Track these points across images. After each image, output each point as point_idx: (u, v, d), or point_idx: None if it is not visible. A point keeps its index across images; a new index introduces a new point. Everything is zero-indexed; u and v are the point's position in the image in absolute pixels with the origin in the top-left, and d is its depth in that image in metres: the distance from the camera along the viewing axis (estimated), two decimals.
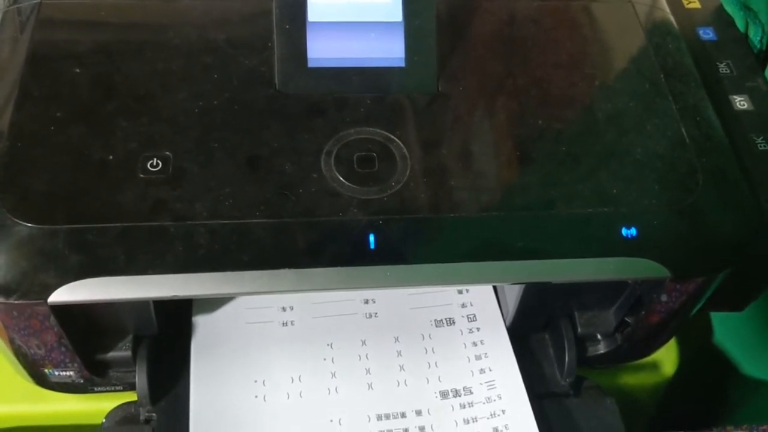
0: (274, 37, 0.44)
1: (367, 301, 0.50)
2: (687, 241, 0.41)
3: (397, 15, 0.45)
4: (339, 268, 0.39)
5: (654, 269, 0.41)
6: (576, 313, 0.48)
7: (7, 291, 0.37)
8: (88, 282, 0.37)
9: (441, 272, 0.40)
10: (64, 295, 0.37)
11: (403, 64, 0.45)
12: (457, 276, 0.40)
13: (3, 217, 0.38)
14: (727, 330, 0.60)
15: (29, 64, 0.43)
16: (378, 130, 0.42)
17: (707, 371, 0.64)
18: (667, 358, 0.54)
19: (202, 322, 0.48)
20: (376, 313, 0.50)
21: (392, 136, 0.42)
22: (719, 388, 0.63)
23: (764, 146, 0.48)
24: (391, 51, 0.45)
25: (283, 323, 0.49)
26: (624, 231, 0.41)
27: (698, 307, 0.48)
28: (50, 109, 0.41)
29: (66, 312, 0.40)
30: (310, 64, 0.44)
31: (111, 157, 0.40)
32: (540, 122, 0.44)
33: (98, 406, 0.48)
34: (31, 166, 0.39)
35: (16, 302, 0.37)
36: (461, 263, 0.40)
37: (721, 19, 0.56)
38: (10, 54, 0.44)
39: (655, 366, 0.54)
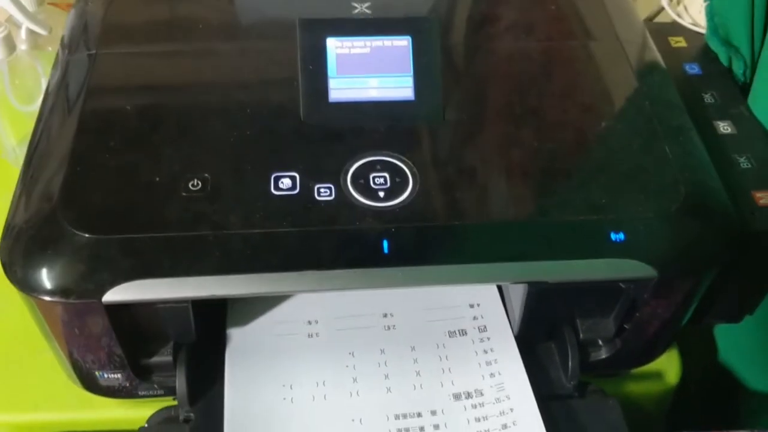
0: (299, 76, 0.50)
1: (385, 315, 0.55)
2: (671, 244, 0.46)
3: (407, 61, 0.51)
4: (356, 270, 0.44)
5: (641, 269, 0.45)
6: (578, 320, 0.52)
7: (66, 292, 0.43)
8: (137, 283, 0.42)
9: (447, 273, 0.44)
10: (116, 294, 0.42)
11: (412, 98, 0.51)
12: (462, 276, 0.45)
13: (64, 229, 0.43)
14: (732, 343, 0.63)
15: (86, 105, 0.50)
16: (390, 153, 0.48)
17: (714, 384, 0.66)
18: (670, 368, 0.57)
19: (235, 334, 0.53)
20: (394, 326, 0.54)
21: (403, 158, 0.48)
22: (727, 401, 0.66)
23: (746, 164, 0.53)
24: (402, 88, 0.51)
25: (309, 335, 0.53)
26: (613, 235, 0.45)
27: (690, 314, 0.52)
28: (105, 139, 0.48)
29: (117, 316, 0.45)
30: (331, 99, 0.50)
31: (157, 179, 0.46)
32: (536, 144, 0.49)
33: (140, 413, 0.52)
34: (88, 187, 0.45)
35: (74, 301, 0.43)
36: (466, 265, 0.44)
37: (706, 55, 0.62)
38: (70, 97, 0.51)
39: (659, 376, 0.57)
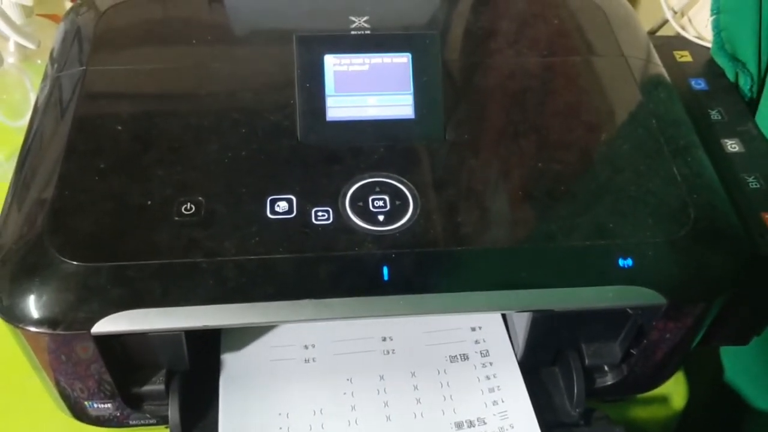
0: (296, 95, 0.49)
1: (384, 339, 0.53)
2: (680, 270, 0.44)
3: (407, 78, 0.49)
4: (356, 298, 0.42)
5: (650, 296, 0.43)
6: (583, 346, 0.51)
7: (54, 323, 0.41)
8: (128, 313, 0.41)
9: (450, 301, 0.43)
10: (106, 326, 0.41)
11: (413, 117, 0.49)
12: (465, 304, 0.43)
13: (51, 256, 0.42)
14: (739, 366, 0.62)
15: (75, 123, 0.48)
16: (390, 174, 0.46)
17: (720, 407, 0.65)
18: (676, 391, 0.56)
19: (229, 359, 0.51)
20: (393, 350, 0.53)
21: (403, 179, 0.46)
22: (733, 423, 0.64)
23: (755, 185, 0.51)
24: (402, 106, 0.49)
25: (306, 360, 0.52)
26: (621, 261, 0.44)
27: (699, 338, 0.50)
28: (94, 161, 0.46)
29: (106, 345, 0.43)
30: (329, 118, 0.49)
31: (149, 203, 0.44)
32: (540, 164, 0.48)
33: None
34: (77, 211, 0.44)
35: (62, 333, 0.41)
36: (469, 292, 0.43)
37: (712, 70, 0.60)
38: (59, 115, 0.49)
39: (664, 399, 0.55)
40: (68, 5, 0.66)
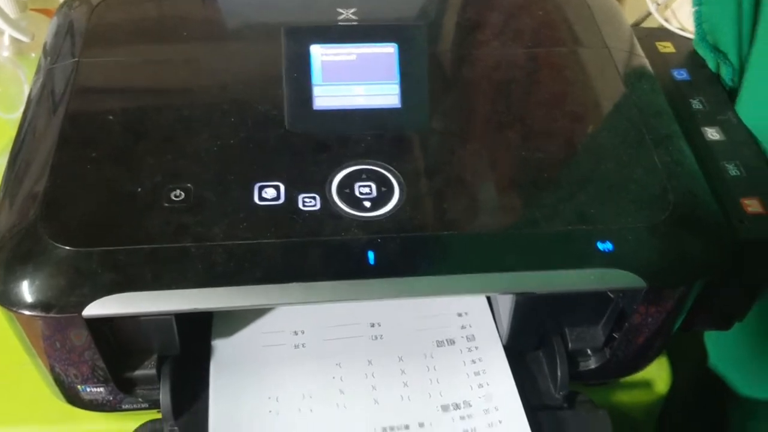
0: (284, 85, 0.50)
1: (372, 325, 0.54)
2: (660, 254, 0.45)
3: (393, 68, 0.50)
4: (342, 282, 0.43)
5: (630, 279, 0.44)
6: (567, 330, 0.52)
7: (46, 306, 0.42)
8: (119, 296, 0.42)
9: (435, 284, 0.44)
10: (97, 308, 0.42)
11: (399, 106, 0.50)
12: (449, 287, 0.44)
13: (44, 242, 0.43)
14: (721, 350, 0.63)
15: (68, 114, 0.49)
16: (376, 162, 0.47)
17: (704, 392, 0.66)
18: (659, 376, 0.57)
19: (220, 345, 0.52)
20: (381, 336, 0.54)
21: (389, 167, 0.47)
22: (717, 408, 0.65)
23: (735, 172, 0.53)
24: (388, 96, 0.50)
25: (295, 346, 0.53)
26: (601, 245, 0.45)
27: (680, 322, 0.51)
28: (86, 151, 0.47)
29: (99, 330, 0.44)
30: (316, 107, 0.50)
31: (139, 190, 0.45)
32: (524, 153, 0.49)
33: (124, 426, 0.51)
34: (69, 199, 0.45)
35: (54, 316, 0.42)
36: (453, 275, 0.44)
37: (694, 61, 0.61)
38: (52, 106, 0.50)
39: (648, 384, 0.56)
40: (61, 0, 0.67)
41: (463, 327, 0.54)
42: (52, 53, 0.55)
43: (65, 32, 0.56)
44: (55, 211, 0.44)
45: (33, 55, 0.66)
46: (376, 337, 0.54)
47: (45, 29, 0.59)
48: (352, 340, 0.53)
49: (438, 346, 0.53)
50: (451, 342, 0.54)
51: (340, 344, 0.53)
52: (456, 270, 0.44)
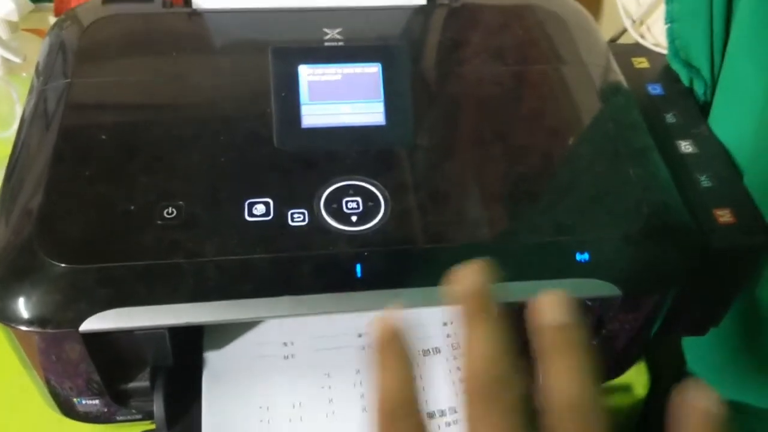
0: (272, 104, 0.51)
1: (360, 335, 0.56)
2: (635, 263, 0.47)
3: (378, 87, 0.52)
4: (331, 294, 0.45)
5: (606, 288, 0.46)
6: None
7: (43, 321, 0.43)
8: (114, 312, 0.43)
9: (419, 295, 0.45)
10: (93, 323, 0.43)
11: (383, 123, 0.52)
12: (433, 298, 0.45)
13: (40, 259, 0.44)
14: (698, 355, 0.65)
15: (61, 133, 0.50)
16: (363, 177, 0.49)
17: None
18: (638, 380, 0.59)
19: (212, 357, 0.54)
20: (370, 345, 0.55)
21: (375, 182, 0.49)
22: None
23: (707, 183, 0.55)
24: (373, 114, 0.52)
25: (285, 356, 0.54)
26: (578, 256, 0.46)
27: (657, 329, 0.53)
28: (80, 169, 0.48)
29: (94, 344, 0.46)
30: (304, 125, 0.51)
31: (132, 207, 0.46)
32: (504, 167, 0.51)
33: None
34: (64, 216, 0.46)
35: (51, 331, 0.43)
36: (436, 287, 0.45)
37: (668, 76, 0.64)
38: (45, 126, 0.51)
39: (627, 388, 0.58)
40: (52, 20, 0.68)
41: (448, 336, 0.56)
42: (44, 73, 0.56)
43: (57, 53, 0.57)
44: (50, 228, 0.45)
45: (24, 74, 0.68)
46: (365, 347, 0.55)
47: (37, 49, 0.60)
48: (340, 350, 0.55)
49: (424, 354, 0.55)
50: (437, 351, 0.55)
51: (329, 354, 0.54)
52: (440, 282, 0.45)
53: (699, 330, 0.59)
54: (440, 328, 0.57)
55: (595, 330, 0.52)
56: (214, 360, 0.53)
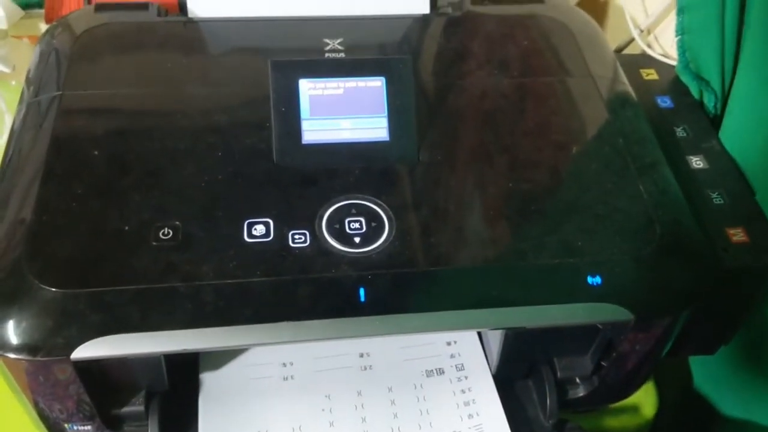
0: (272, 117, 0.50)
1: (362, 355, 0.54)
2: (647, 286, 0.46)
3: (381, 101, 0.51)
4: (333, 320, 0.43)
5: (618, 313, 0.45)
6: (555, 359, 0.52)
7: (33, 349, 0.41)
8: (107, 339, 0.41)
9: (425, 321, 0.44)
10: (85, 351, 0.41)
11: (387, 139, 0.50)
12: (440, 324, 0.44)
13: (29, 283, 0.42)
14: (707, 374, 0.64)
15: (52, 148, 0.48)
16: (366, 196, 0.47)
17: (690, 414, 0.66)
18: (646, 401, 0.57)
19: (208, 378, 0.52)
20: (370, 366, 0.54)
21: (378, 201, 0.47)
22: (703, 430, 0.66)
23: (719, 200, 0.53)
24: (376, 129, 0.50)
25: (284, 378, 0.53)
26: (589, 279, 0.45)
27: (668, 349, 0.52)
28: (71, 186, 0.46)
29: (86, 369, 0.44)
30: (304, 141, 0.49)
31: (126, 228, 0.45)
32: (511, 184, 0.49)
33: None
34: (55, 237, 0.44)
35: (41, 359, 0.41)
36: (443, 312, 0.44)
37: (677, 88, 0.62)
38: (35, 139, 0.50)
39: (635, 409, 0.57)
40: (43, 27, 0.66)
41: (452, 356, 0.54)
42: (35, 84, 0.54)
43: (48, 62, 0.55)
44: (40, 249, 0.43)
45: (13, 82, 0.66)
46: (366, 368, 0.54)
47: (27, 56, 0.58)
48: (341, 371, 0.53)
49: (427, 375, 0.53)
50: (441, 372, 0.54)
51: (330, 375, 0.53)
52: (446, 306, 0.44)
53: (708, 349, 0.57)
54: (444, 348, 0.55)
55: (605, 352, 0.50)
56: (210, 382, 0.52)
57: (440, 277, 0.45)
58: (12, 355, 0.41)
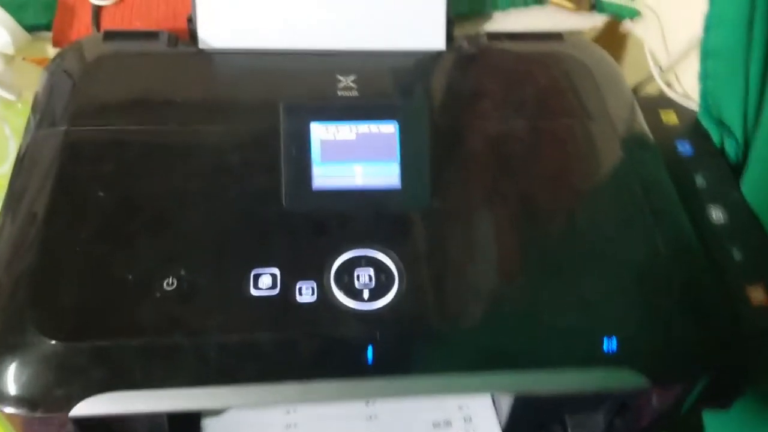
0: (282, 162, 0.48)
1: (367, 404, 0.53)
2: (666, 350, 0.44)
3: (393, 147, 0.49)
4: (339, 382, 0.42)
5: (634, 379, 0.43)
6: (567, 417, 0.51)
7: (32, 404, 0.40)
8: (107, 396, 0.40)
9: (435, 384, 0.43)
10: (84, 408, 0.40)
11: (399, 187, 0.49)
12: (450, 387, 0.43)
13: (30, 334, 0.41)
14: (719, 426, 0.62)
15: (57, 187, 0.47)
16: (376, 247, 0.46)
17: None
18: None
19: (210, 425, 0.51)
20: (376, 415, 0.52)
21: (389, 252, 0.46)
22: None
23: (739, 256, 0.52)
24: (388, 176, 0.49)
25: (287, 425, 0.51)
26: (606, 342, 0.43)
27: (684, 409, 0.50)
28: (75, 231, 0.45)
29: (86, 426, 0.42)
30: (315, 187, 0.48)
31: (130, 277, 0.43)
32: (525, 237, 0.48)
33: None
34: (57, 286, 0.43)
35: (40, 416, 0.40)
36: (453, 375, 0.43)
37: (697, 133, 0.60)
38: (39, 177, 0.48)
39: None
40: (51, 50, 0.65)
41: (460, 408, 0.53)
42: (42, 113, 0.53)
43: (56, 91, 0.54)
44: (42, 299, 0.42)
45: (20, 106, 0.64)
46: (372, 417, 0.52)
47: (34, 79, 0.57)
48: (346, 420, 0.52)
49: (434, 427, 0.52)
50: (448, 424, 0.52)
51: (334, 425, 0.51)
52: (456, 368, 0.43)
53: (724, 404, 0.56)
54: (452, 399, 0.54)
55: (618, 411, 0.49)
56: (212, 430, 0.50)
57: (450, 337, 0.43)
58: (9, 410, 0.40)
